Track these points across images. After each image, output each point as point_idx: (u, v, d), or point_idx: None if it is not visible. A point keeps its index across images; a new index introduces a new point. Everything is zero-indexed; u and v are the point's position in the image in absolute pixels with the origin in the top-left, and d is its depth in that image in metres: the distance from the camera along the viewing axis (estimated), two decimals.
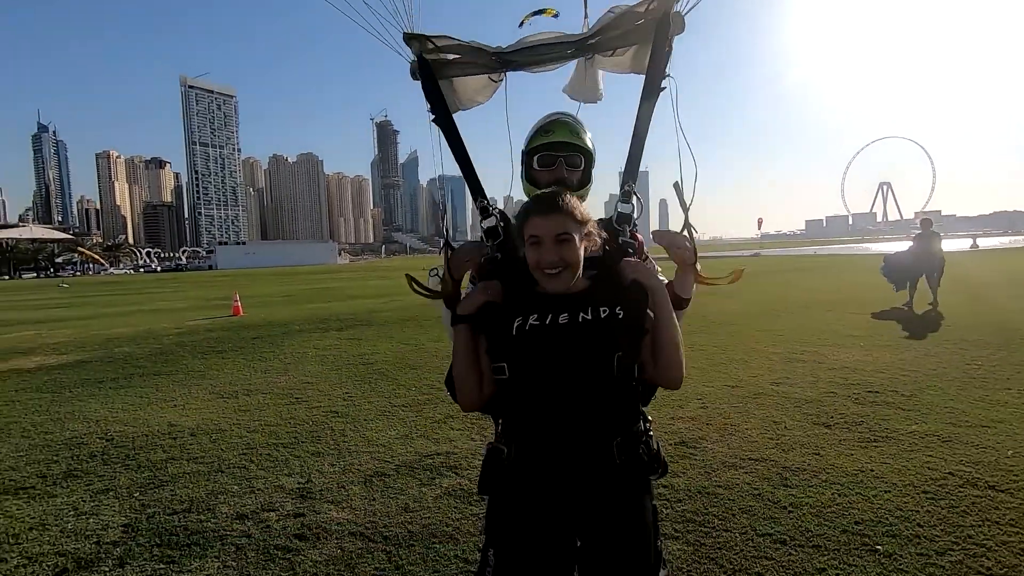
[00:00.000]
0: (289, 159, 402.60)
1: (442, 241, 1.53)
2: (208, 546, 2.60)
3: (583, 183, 1.55)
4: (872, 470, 3.17)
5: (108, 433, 4.37)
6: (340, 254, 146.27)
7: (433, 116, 1.55)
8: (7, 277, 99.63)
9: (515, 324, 1.26)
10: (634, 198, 1.48)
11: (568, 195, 1.31)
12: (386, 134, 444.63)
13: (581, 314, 1.25)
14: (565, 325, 1.24)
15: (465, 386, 1.32)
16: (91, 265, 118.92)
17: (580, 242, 1.27)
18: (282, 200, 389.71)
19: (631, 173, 1.49)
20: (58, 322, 13.49)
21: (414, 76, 1.56)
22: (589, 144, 1.54)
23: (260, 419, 4.61)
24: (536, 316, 1.26)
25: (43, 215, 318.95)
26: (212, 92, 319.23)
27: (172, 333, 10.32)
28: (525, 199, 1.46)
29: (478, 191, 1.52)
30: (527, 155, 1.55)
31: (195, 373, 6.57)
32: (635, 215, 1.47)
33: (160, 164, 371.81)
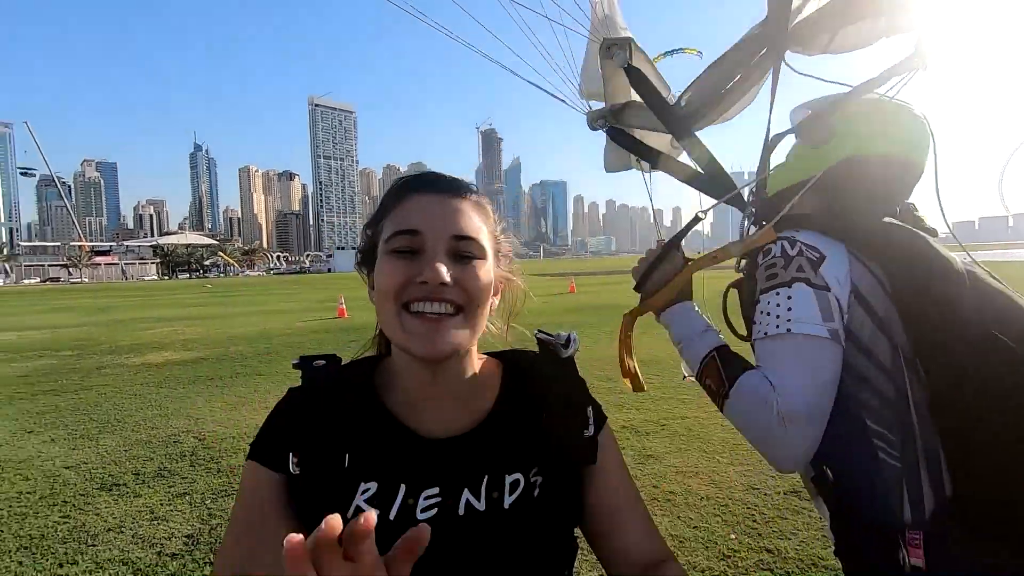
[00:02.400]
0: (401, 168, 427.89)
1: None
2: None
3: None
4: None
5: (202, 433, 4.57)
6: None
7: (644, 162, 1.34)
8: (166, 278, 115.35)
9: (354, 502, 0.63)
10: None
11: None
12: (490, 142, 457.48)
13: (467, 495, 0.64)
14: (431, 521, 0.62)
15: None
16: (232, 267, 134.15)
17: (492, 280, 0.66)
18: None
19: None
20: (193, 320, 15.03)
21: (594, 127, 1.35)
22: None
23: None
24: (376, 487, 0.64)
25: (196, 223, 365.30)
26: (335, 109, 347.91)
27: (282, 334, 11.01)
28: None
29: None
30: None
31: (292, 376, 6.78)
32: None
33: (290, 176, 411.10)
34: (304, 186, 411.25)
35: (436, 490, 0.63)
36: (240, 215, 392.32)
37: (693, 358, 0.99)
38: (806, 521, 2.74)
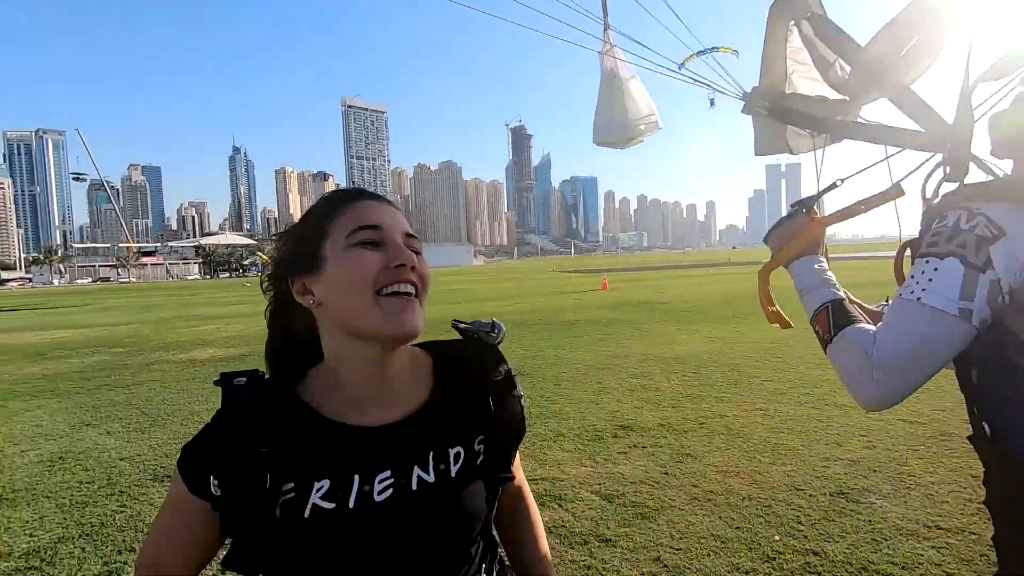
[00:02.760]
0: (431, 167, 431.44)
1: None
2: None
3: None
4: None
5: None
6: (475, 256, 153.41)
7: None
8: (208, 277, 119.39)
9: (309, 501, 0.65)
10: None
11: None
12: (520, 139, 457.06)
13: (418, 471, 0.70)
14: (388, 500, 0.67)
15: None
16: (270, 265, 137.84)
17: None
18: (425, 205, 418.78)
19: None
20: (234, 317, 15.52)
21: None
22: None
23: None
24: (330, 483, 0.66)
25: (235, 224, 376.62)
26: (366, 110, 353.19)
27: None
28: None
29: None
30: None
31: None
32: None
33: (324, 177, 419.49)
34: (337, 186, 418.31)
35: (388, 472, 0.68)
36: (277, 215, 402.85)
37: (808, 307, 1.05)
38: (854, 524, 2.66)
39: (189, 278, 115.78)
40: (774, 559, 2.41)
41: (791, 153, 1.42)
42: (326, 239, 0.70)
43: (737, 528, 2.68)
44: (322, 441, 0.68)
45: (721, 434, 4.00)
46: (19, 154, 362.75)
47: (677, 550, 2.52)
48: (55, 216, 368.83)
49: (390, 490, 0.68)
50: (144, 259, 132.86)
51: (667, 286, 20.05)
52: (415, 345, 0.80)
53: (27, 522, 3.07)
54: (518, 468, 0.88)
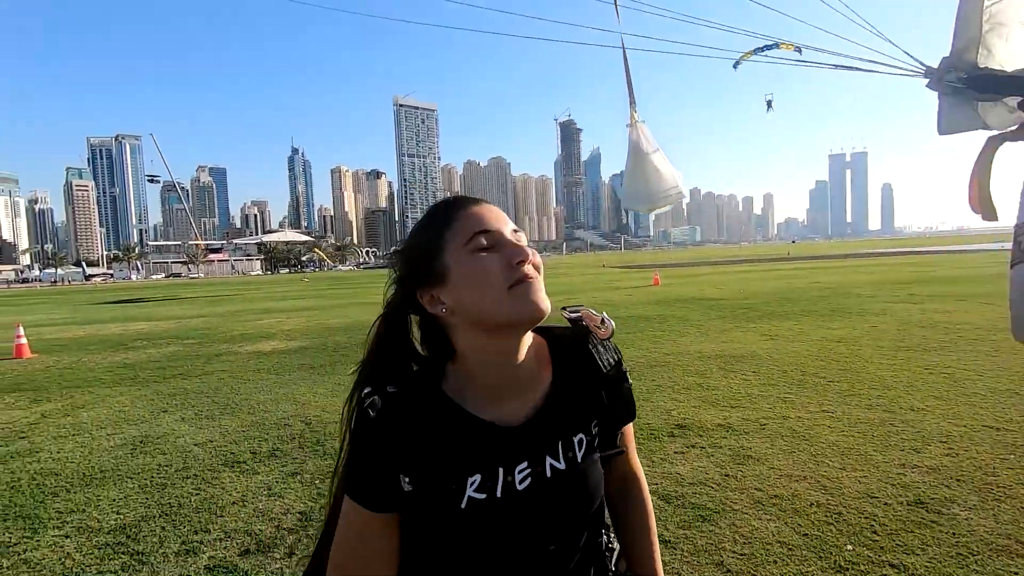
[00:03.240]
0: (481, 164, 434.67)
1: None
2: None
3: None
4: None
5: (307, 417, 4.90)
6: None
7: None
8: (269, 273, 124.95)
9: (465, 494, 0.73)
10: None
11: None
12: (569, 133, 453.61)
13: (550, 460, 0.78)
14: (528, 488, 0.75)
15: None
16: (325, 262, 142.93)
17: None
18: None
19: None
20: (294, 311, 16.18)
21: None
22: None
23: None
24: (481, 477, 0.74)
25: (294, 222, 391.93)
26: (418, 108, 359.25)
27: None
28: None
29: None
30: None
31: None
32: None
33: (377, 175, 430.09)
34: (390, 183, 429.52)
35: (525, 463, 0.76)
36: (332, 213, 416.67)
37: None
38: (936, 536, 2.49)
39: (252, 274, 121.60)
40: (847, 569, 2.28)
41: (986, 129, 1.29)
42: (444, 251, 0.74)
43: (805, 535, 2.56)
44: (470, 437, 0.75)
45: (784, 436, 3.83)
46: (101, 158, 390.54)
47: (741, 555, 2.43)
48: (132, 216, 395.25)
49: (529, 479, 0.76)
50: (211, 256, 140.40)
51: (722, 282, 19.42)
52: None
53: (114, 500, 3.30)
54: (631, 444, 0.93)
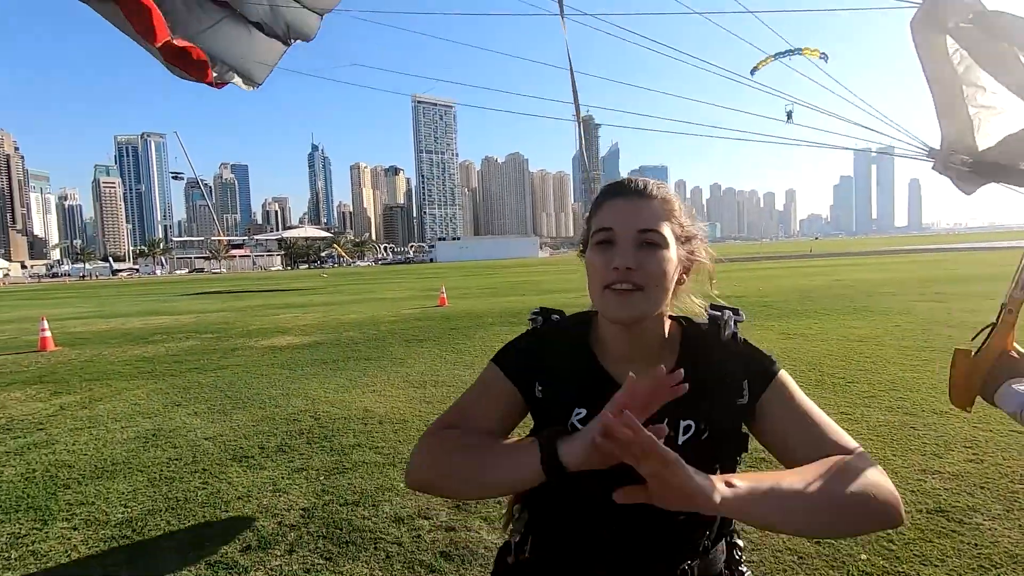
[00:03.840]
0: (498, 160, 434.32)
1: None
2: (364, 547, 2.62)
3: None
4: None
5: (317, 412, 4.91)
6: (541, 248, 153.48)
7: None
8: (289, 268, 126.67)
9: (573, 418, 0.87)
10: None
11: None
12: (587, 128, 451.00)
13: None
14: None
15: (463, 486, 0.86)
16: (344, 258, 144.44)
17: (674, 261, 0.84)
18: (492, 198, 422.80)
19: None
20: (311, 307, 16.33)
21: None
22: None
23: (438, 413, 4.73)
24: (586, 412, 0.87)
25: (314, 218, 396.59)
26: (436, 105, 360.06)
27: (389, 321, 11.61)
28: None
29: None
30: None
31: (396, 360, 7.18)
32: None
33: (395, 171, 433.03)
34: (408, 180, 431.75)
35: None
36: (351, 209, 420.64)
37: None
38: (957, 546, 2.38)
39: (272, 269, 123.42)
40: None
41: (1017, 187, 1.26)
42: (590, 233, 0.88)
43: (818, 543, 2.46)
44: (589, 377, 0.89)
45: None
46: (127, 156, 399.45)
47: (749, 563, 2.34)
48: (158, 212, 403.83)
49: None
50: (233, 251, 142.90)
51: (741, 279, 19.11)
52: (672, 317, 0.93)
53: (123, 493, 3.33)
54: (840, 435, 0.89)
